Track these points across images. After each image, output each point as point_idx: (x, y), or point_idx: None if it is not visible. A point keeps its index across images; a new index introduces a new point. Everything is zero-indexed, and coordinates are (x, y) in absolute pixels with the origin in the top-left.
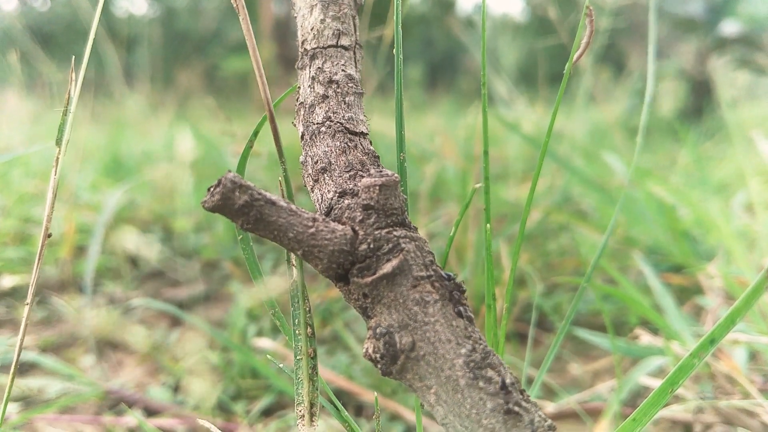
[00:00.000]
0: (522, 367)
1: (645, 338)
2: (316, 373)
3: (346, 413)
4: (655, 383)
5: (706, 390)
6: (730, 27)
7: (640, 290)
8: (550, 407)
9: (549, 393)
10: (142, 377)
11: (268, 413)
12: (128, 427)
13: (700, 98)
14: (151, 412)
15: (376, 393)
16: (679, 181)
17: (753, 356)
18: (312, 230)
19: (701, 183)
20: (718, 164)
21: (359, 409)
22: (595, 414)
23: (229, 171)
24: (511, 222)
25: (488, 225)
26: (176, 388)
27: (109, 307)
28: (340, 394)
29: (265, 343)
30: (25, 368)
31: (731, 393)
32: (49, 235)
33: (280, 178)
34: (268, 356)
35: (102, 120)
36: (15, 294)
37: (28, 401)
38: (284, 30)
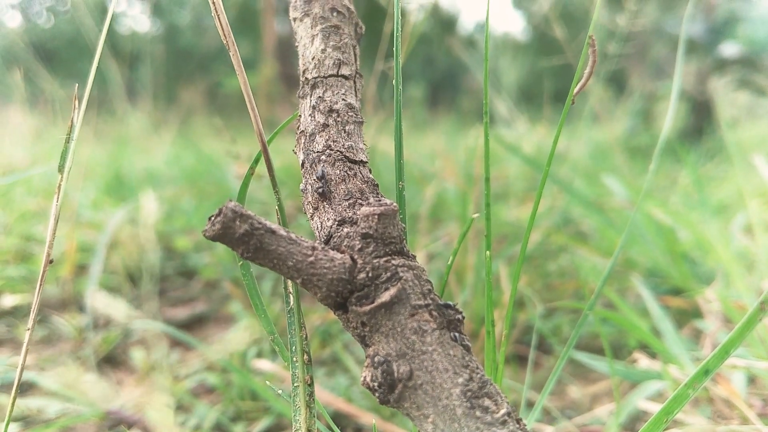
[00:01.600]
0: (521, 391)
1: (643, 362)
2: (313, 399)
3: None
4: (654, 407)
5: (704, 414)
6: (730, 48)
7: (638, 313)
8: (549, 431)
9: (547, 416)
10: (142, 398)
11: None
12: None
13: (701, 118)
14: None
15: (374, 417)
16: (678, 203)
17: (752, 380)
18: (311, 259)
19: (701, 204)
20: (718, 185)
21: None
22: None
23: (230, 200)
24: (511, 243)
25: (488, 252)
26: (175, 410)
27: (109, 326)
28: (338, 416)
29: (264, 365)
30: (24, 387)
31: (730, 418)
32: (51, 261)
33: (276, 207)
34: (267, 382)
35: (104, 137)
36: (16, 313)
37: (27, 421)
38: (287, 48)
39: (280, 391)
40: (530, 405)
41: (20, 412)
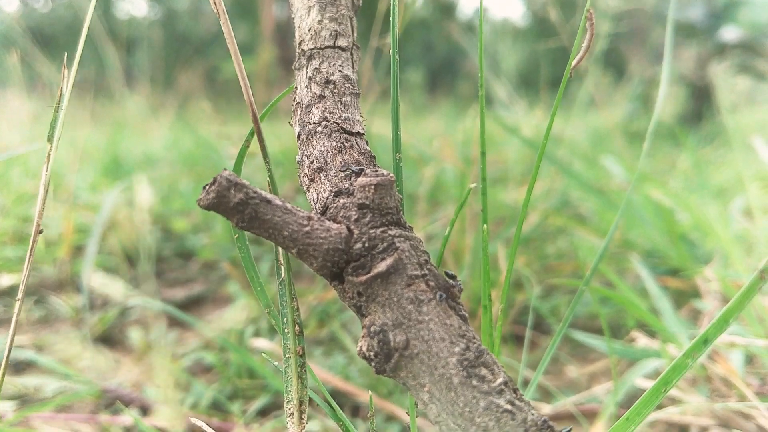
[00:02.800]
0: (518, 369)
1: (642, 341)
2: (306, 371)
3: (341, 412)
4: (650, 385)
5: (702, 393)
6: (730, 33)
7: (637, 293)
8: (546, 409)
9: (545, 395)
10: (139, 376)
11: (264, 413)
12: (124, 425)
13: (700, 103)
14: (147, 411)
15: (371, 392)
16: (678, 186)
17: (750, 360)
18: (307, 228)
19: (700, 187)
20: (717, 169)
21: (356, 410)
22: (591, 416)
23: (225, 169)
24: (510, 225)
25: (485, 226)
26: (173, 388)
27: (106, 306)
28: (336, 394)
29: (262, 343)
30: (21, 367)
31: (727, 396)
32: (41, 232)
33: (267, 178)
34: (264, 354)
35: (102, 121)
36: (13, 293)
37: (24, 399)
38: (285, 32)
39: (276, 364)
40: (527, 384)
41: (17, 391)
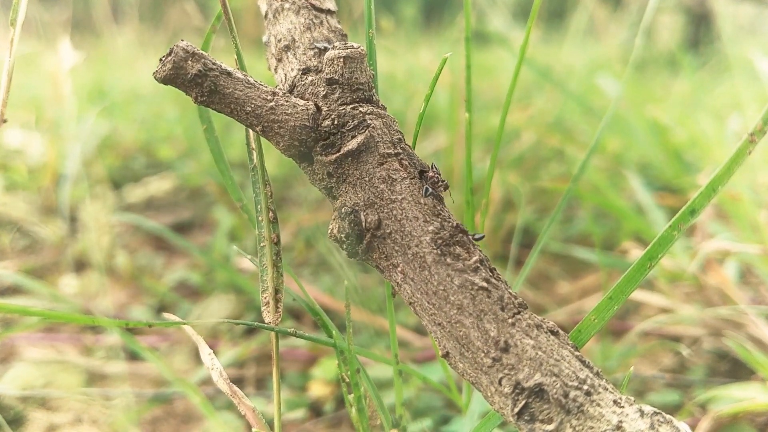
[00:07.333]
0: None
1: (634, 252)
2: (281, 259)
3: (318, 305)
4: (644, 296)
5: (695, 306)
6: None
7: (631, 210)
8: None
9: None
10: (126, 300)
11: (250, 331)
12: (108, 345)
13: (699, 31)
14: (132, 330)
15: (347, 302)
16: (674, 106)
17: (743, 275)
18: (271, 104)
19: (697, 109)
20: (715, 93)
21: (342, 328)
22: None
23: (182, 40)
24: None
25: (467, 114)
26: (159, 309)
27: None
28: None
29: (247, 263)
30: (8, 291)
31: (720, 306)
32: (5, 121)
33: (234, 55)
34: (235, 247)
35: (90, 59)
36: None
37: (8, 322)
38: None
39: (248, 257)
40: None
41: (2, 315)
